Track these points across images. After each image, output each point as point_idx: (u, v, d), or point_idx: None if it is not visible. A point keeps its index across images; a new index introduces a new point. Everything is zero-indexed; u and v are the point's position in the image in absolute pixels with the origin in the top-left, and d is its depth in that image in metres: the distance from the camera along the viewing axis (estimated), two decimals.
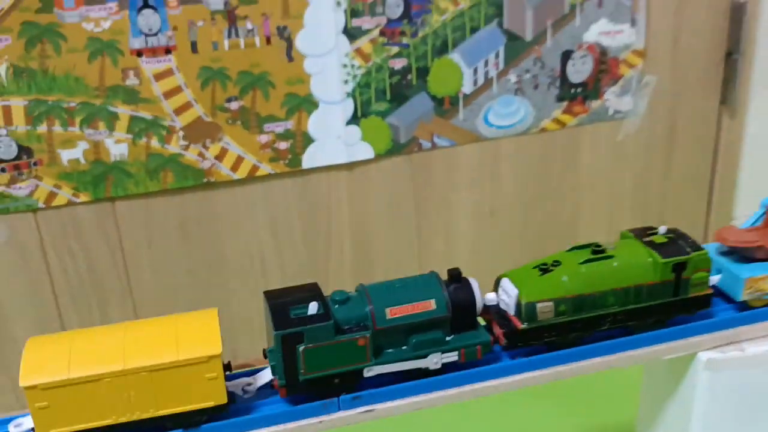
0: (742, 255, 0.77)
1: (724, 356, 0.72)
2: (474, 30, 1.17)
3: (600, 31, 1.24)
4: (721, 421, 0.75)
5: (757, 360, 0.73)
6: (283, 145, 1.14)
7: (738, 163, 1.45)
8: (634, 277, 0.70)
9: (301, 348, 0.63)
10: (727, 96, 1.37)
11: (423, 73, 1.17)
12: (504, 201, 1.31)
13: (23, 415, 0.65)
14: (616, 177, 1.36)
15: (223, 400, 0.63)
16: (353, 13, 1.11)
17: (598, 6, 1.22)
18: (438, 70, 1.18)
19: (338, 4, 1.09)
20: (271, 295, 0.66)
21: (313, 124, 1.14)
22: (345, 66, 1.13)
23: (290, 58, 1.10)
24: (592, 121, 1.30)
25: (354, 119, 1.16)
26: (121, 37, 1.03)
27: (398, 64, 1.15)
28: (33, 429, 0.62)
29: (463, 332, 0.68)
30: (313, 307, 0.64)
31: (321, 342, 0.63)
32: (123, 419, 0.61)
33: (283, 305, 0.64)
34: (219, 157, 1.12)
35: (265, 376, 0.68)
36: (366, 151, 1.19)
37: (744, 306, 0.75)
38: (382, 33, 1.13)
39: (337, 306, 0.66)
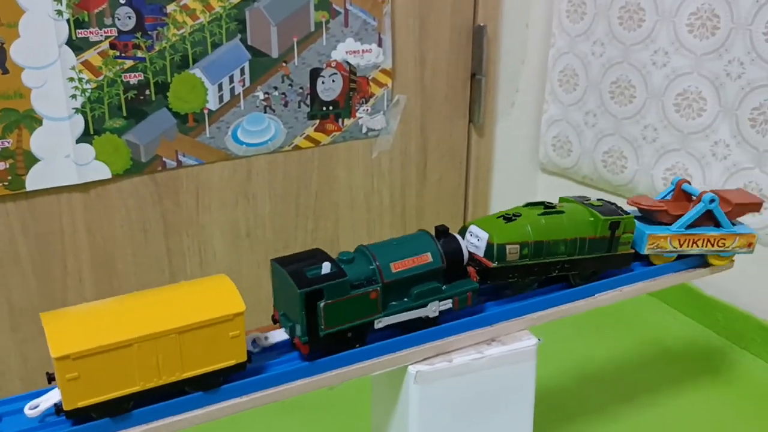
0: (648, 219, 0.88)
1: (432, 368, 0.73)
2: (216, 45, 1.14)
3: (347, 50, 1.25)
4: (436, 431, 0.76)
5: (464, 369, 0.75)
6: (1, 166, 1.03)
7: (489, 178, 1.53)
8: (580, 230, 0.79)
9: (322, 304, 0.66)
10: (474, 115, 1.44)
11: (162, 88, 1.11)
12: (261, 221, 1.28)
13: (37, 394, 0.63)
14: (374, 194, 1.38)
15: (243, 357, 0.64)
16: (78, 23, 1.03)
17: (344, 25, 1.23)
18: (179, 85, 1.12)
19: (59, 13, 1.01)
20: (281, 262, 0.69)
21: (37, 142, 1.05)
22: (72, 80, 1.04)
23: (5, 70, 1.00)
24: (346, 139, 1.31)
25: (85, 137, 1.08)
26: None
27: (134, 78, 1.09)
28: (55, 406, 0.61)
29: (454, 281, 0.74)
30: (326, 267, 0.67)
31: (339, 297, 0.67)
32: (150, 385, 0.61)
33: (298, 268, 0.67)
34: None
35: (278, 335, 0.70)
36: (101, 171, 1.10)
37: (459, 314, 0.77)
38: (112, 45, 1.06)
39: (345, 266, 0.69)
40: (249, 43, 1.16)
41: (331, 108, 1.27)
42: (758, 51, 1.12)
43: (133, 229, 1.16)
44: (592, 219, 0.80)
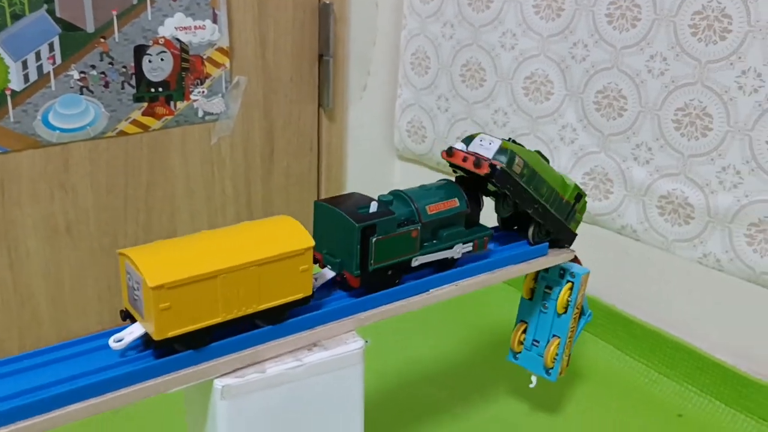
0: None
1: (242, 381, 0.65)
2: (17, 17, 1.00)
3: (177, 26, 1.14)
4: None
5: (280, 379, 0.67)
6: None
7: (343, 165, 1.46)
8: (558, 184, 0.85)
9: (374, 239, 0.70)
10: (324, 98, 1.36)
11: None
12: (83, 214, 1.15)
13: (119, 329, 0.62)
14: (215, 183, 1.28)
15: (309, 291, 0.67)
16: None
17: None
18: None
19: None
20: (328, 202, 0.72)
21: None
22: None
23: None
24: (180, 124, 1.20)
25: None
26: None
27: None
28: (141, 338, 0.62)
29: (473, 227, 0.80)
30: (374, 206, 0.71)
31: (388, 234, 0.71)
32: (230, 316, 0.63)
33: (349, 206, 0.71)
34: None
35: (328, 274, 0.72)
36: None
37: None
38: None
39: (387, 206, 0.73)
40: (58, 15, 1.03)
41: (160, 89, 1.16)
42: (601, 33, 1.11)
43: None
44: (567, 181, 0.87)
